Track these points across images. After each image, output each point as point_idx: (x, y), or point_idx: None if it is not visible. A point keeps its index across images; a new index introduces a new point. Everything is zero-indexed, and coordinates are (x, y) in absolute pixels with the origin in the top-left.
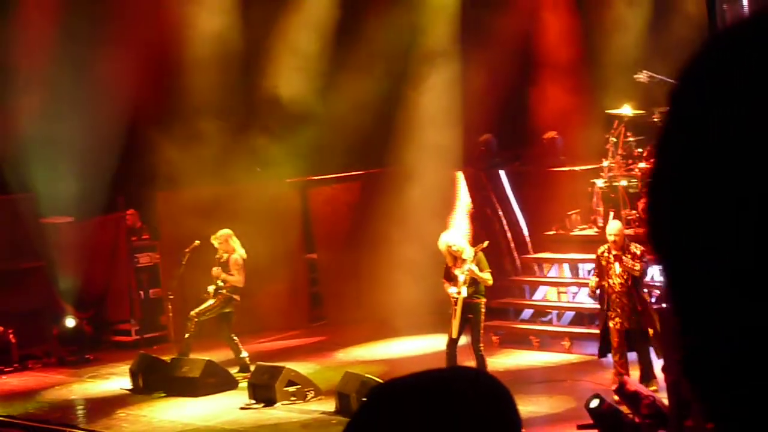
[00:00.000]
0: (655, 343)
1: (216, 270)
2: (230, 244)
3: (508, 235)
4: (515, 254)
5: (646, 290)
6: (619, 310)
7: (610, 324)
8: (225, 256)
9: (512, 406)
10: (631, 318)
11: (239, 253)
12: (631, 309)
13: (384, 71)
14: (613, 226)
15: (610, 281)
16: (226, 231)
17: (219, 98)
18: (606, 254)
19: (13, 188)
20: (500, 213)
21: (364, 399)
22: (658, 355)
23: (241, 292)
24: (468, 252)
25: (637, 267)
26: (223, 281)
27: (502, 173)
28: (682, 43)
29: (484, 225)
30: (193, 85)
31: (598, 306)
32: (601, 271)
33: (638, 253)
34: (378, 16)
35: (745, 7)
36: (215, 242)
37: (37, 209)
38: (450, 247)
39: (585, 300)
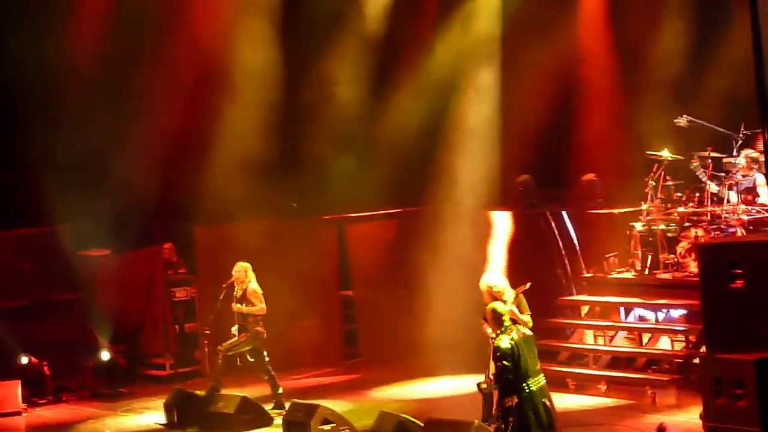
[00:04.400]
0: None
1: (236, 306)
2: (249, 275)
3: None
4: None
5: None
6: None
7: None
8: (240, 290)
9: None
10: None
11: (254, 283)
12: None
13: (423, 108)
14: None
15: None
16: (243, 264)
17: (257, 133)
18: None
19: (52, 220)
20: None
21: None
22: None
23: (275, 327)
24: (509, 293)
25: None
26: (245, 315)
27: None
28: (723, 91)
29: (524, 266)
30: (230, 120)
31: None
32: None
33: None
34: (418, 52)
35: None
36: (235, 273)
37: (74, 241)
38: (491, 287)
39: (621, 343)
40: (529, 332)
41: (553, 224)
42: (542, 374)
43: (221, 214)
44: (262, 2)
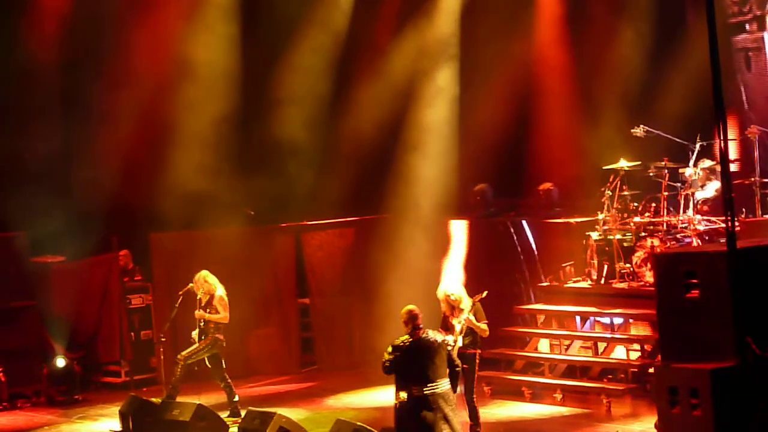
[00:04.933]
0: None
1: (198, 312)
2: (209, 283)
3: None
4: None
5: None
6: None
7: None
8: (206, 297)
9: None
10: None
11: (221, 290)
12: None
13: (381, 116)
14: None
15: None
16: (201, 273)
17: (215, 140)
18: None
19: (6, 227)
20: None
21: None
22: None
23: (232, 335)
24: (466, 302)
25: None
26: (207, 321)
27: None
28: (681, 99)
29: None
30: (188, 126)
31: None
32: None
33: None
34: (376, 61)
35: None
36: (194, 287)
37: (28, 248)
38: (448, 296)
39: (577, 353)
40: (449, 341)
41: (512, 232)
42: (442, 384)
43: (178, 221)
44: (223, 5)
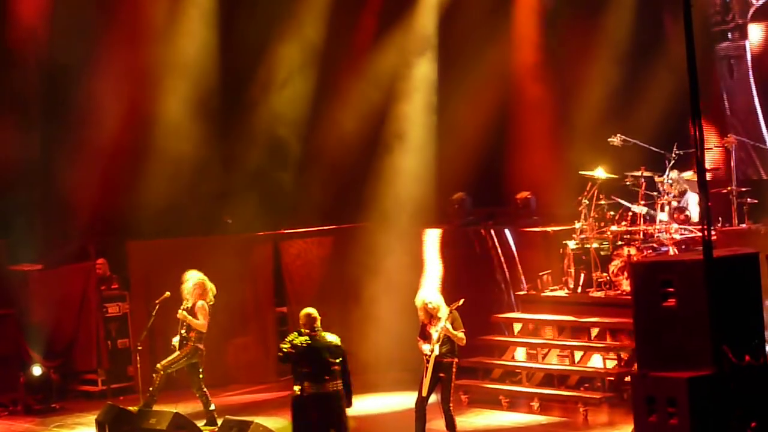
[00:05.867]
0: None
1: (182, 313)
2: (198, 289)
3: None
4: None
5: None
6: None
7: None
8: (190, 302)
9: None
10: None
11: (206, 300)
12: None
13: (359, 125)
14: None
15: None
16: (201, 276)
17: (193, 146)
18: None
19: None
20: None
21: None
22: None
23: (209, 344)
24: (444, 310)
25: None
26: (188, 329)
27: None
28: (657, 109)
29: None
30: (167, 132)
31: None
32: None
33: None
34: (354, 73)
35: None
36: (186, 287)
37: (6, 256)
38: (426, 304)
39: (554, 361)
40: (333, 340)
41: (495, 240)
42: (333, 384)
43: (155, 229)
44: (202, 6)
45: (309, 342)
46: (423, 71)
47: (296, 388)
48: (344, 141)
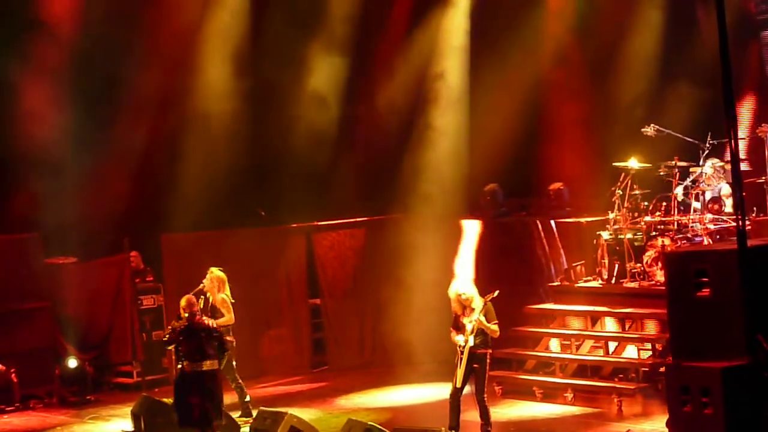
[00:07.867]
0: None
1: (206, 320)
2: (215, 284)
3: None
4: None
5: None
6: None
7: None
8: (210, 298)
9: None
10: None
11: (224, 293)
12: None
13: (394, 119)
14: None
15: None
16: (214, 271)
17: (226, 140)
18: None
19: (19, 228)
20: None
21: None
22: None
23: (244, 337)
24: (477, 301)
25: None
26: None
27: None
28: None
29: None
30: (199, 126)
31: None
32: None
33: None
34: (388, 68)
35: None
36: (205, 285)
37: (42, 249)
38: (460, 295)
39: (588, 352)
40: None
41: (524, 231)
42: (208, 363)
43: (189, 222)
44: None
45: (186, 325)
46: (455, 62)
47: (178, 366)
48: (378, 134)
